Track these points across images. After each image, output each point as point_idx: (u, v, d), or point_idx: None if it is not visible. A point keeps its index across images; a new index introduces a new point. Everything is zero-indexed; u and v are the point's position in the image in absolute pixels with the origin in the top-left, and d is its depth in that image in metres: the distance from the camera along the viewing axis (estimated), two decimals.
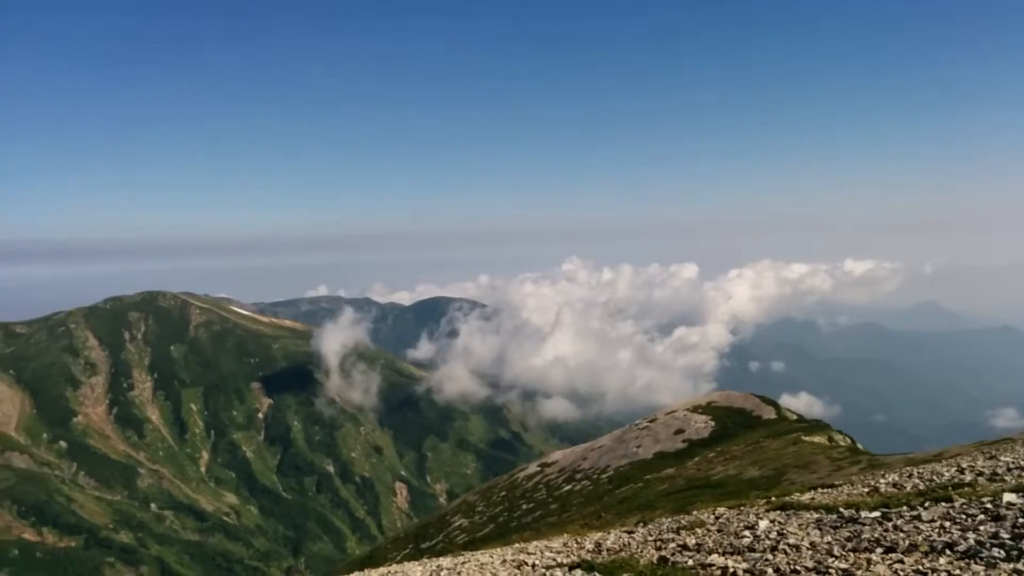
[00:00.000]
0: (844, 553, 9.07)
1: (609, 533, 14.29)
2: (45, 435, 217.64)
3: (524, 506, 43.61)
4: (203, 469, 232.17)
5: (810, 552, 9.37)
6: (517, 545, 14.95)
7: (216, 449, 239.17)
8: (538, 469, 54.11)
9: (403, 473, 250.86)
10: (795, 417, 55.39)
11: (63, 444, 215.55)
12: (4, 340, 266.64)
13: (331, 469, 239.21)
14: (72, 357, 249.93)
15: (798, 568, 8.77)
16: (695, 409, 56.30)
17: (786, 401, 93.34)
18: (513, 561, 12.77)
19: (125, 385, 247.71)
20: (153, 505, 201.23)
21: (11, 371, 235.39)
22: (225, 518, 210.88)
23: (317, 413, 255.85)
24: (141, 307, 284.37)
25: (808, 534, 10.39)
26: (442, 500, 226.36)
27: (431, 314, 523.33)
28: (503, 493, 51.74)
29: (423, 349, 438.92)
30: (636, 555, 11.95)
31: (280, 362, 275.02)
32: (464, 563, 13.55)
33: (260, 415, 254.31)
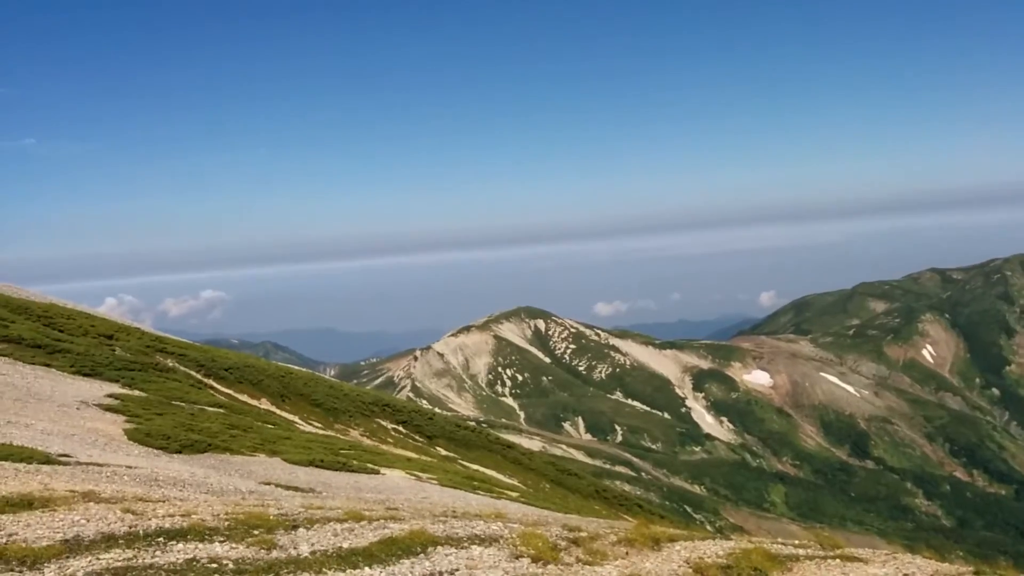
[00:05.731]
0: None
1: None
2: (977, 380, 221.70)
3: None
4: None
5: None
6: None
7: None
8: None
9: None
10: None
11: (995, 391, 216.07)
12: (941, 285, 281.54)
13: None
14: (1007, 305, 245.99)
15: None
16: None
17: None
18: None
19: None
20: None
21: (946, 315, 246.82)
22: None
23: None
24: None
25: None
26: None
27: None
28: None
29: None
30: None
31: None
32: None
33: None
